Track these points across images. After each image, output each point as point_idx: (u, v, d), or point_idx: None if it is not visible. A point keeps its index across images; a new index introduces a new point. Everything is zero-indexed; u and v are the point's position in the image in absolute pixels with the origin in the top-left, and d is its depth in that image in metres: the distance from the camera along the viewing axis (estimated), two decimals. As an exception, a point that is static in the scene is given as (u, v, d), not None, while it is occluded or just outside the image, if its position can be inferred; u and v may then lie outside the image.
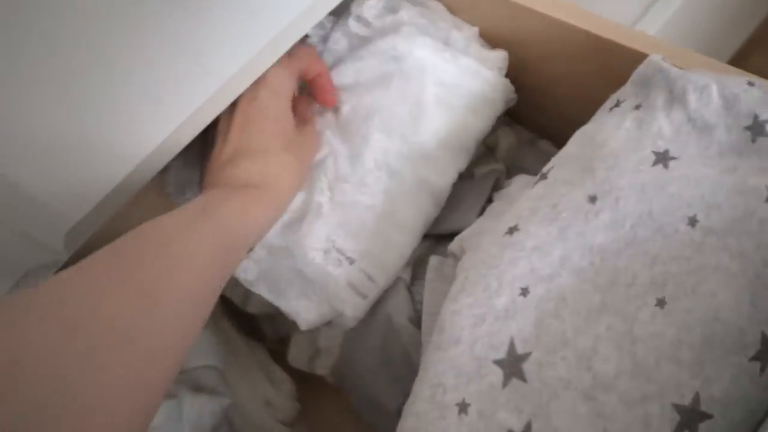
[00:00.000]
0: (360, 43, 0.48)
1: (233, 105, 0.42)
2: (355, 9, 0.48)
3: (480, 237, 0.38)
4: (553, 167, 0.35)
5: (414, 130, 0.45)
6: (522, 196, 0.35)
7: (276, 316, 0.54)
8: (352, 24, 0.48)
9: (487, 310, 0.32)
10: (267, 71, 0.40)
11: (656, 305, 0.29)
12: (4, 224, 0.34)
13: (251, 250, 0.38)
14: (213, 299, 0.33)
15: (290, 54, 0.42)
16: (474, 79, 0.45)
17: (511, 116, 0.53)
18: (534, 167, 0.49)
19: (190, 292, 0.31)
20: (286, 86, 0.42)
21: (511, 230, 0.33)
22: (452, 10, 0.48)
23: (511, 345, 0.31)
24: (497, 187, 0.47)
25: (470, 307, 0.32)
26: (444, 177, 0.45)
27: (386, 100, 0.45)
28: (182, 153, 0.38)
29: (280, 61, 0.41)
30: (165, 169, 0.52)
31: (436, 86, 0.44)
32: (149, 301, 0.28)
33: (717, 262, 0.29)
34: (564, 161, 0.35)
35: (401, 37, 0.45)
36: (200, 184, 0.42)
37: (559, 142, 0.51)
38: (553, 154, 0.51)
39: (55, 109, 0.31)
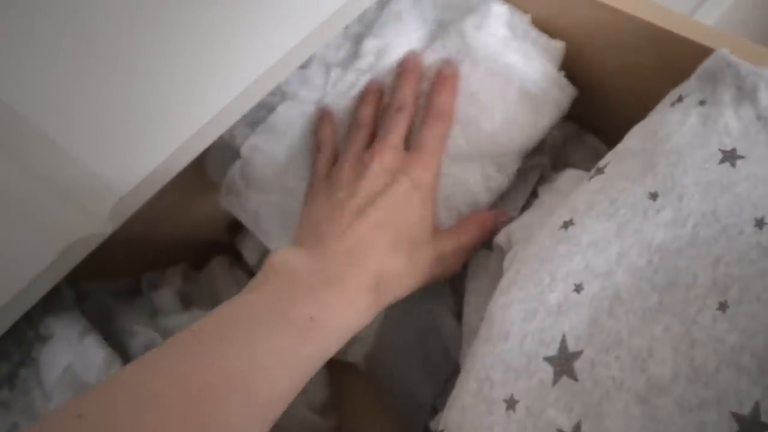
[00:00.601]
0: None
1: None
2: None
3: (528, 230, 0.37)
4: (610, 162, 0.34)
5: (488, 121, 0.43)
6: (578, 190, 0.34)
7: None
8: None
9: (539, 305, 0.31)
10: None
11: (718, 309, 0.28)
12: (54, 189, 0.33)
13: None
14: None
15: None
16: (548, 82, 0.44)
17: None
18: (580, 162, 0.48)
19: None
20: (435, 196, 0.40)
21: (566, 224, 0.32)
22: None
23: (563, 342, 0.30)
24: (542, 181, 0.46)
25: (521, 302, 0.31)
26: (505, 173, 0.44)
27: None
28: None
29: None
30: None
31: (515, 84, 0.43)
32: None
33: (785, 266, 0.28)
34: (622, 156, 0.33)
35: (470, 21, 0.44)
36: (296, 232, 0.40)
37: (606, 137, 0.50)
38: (600, 150, 0.50)
39: (109, 79, 0.31)
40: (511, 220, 0.41)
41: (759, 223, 0.29)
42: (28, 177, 0.31)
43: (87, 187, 0.34)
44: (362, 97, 0.45)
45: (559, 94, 0.44)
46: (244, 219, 0.49)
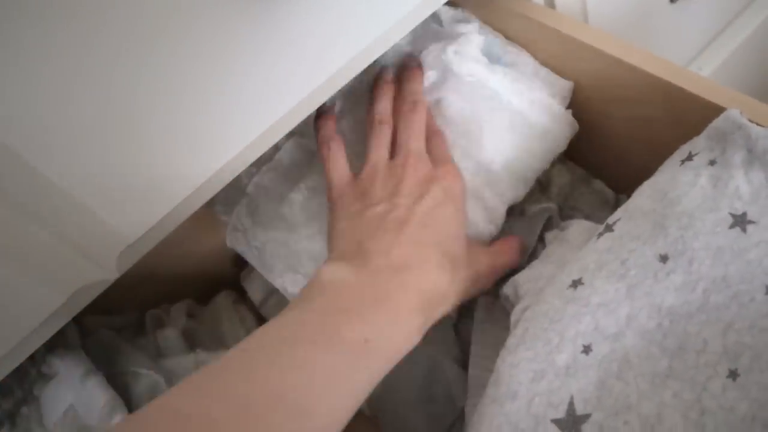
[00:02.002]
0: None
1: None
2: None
3: (536, 282, 0.37)
4: (620, 219, 0.34)
5: (479, 147, 0.43)
6: (587, 248, 0.34)
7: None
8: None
9: (547, 366, 0.31)
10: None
11: (728, 376, 0.28)
12: (63, 239, 0.33)
13: None
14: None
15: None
16: (544, 111, 0.44)
17: (566, 152, 0.52)
18: (587, 208, 0.48)
19: None
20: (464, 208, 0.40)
21: (575, 283, 0.32)
22: (515, 43, 0.48)
23: (571, 404, 0.30)
24: (549, 226, 0.46)
25: (529, 362, 0.31)
26: (500, 198, 0.44)
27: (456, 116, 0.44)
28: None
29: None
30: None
31: (506, 111, 0.44)
32: None
33: (796, 335, 0.27)
34: (632, 215, 0.33)
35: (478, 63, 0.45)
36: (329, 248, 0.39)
37: (614, 183, 0.50)
38: (607, 195, 0.50)
39: (119, 129, 0.31)
40: (519, 268, 0.40)
41: (770, 291, 0.29)
42: (35, 225, 0.31)
43: (95, 235, 0.34)
44: (378, 88, 0.44)
45: (559, 129, 0.45)
46: (250, 257, 0.49)
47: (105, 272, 0.36)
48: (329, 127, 0.44)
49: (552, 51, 0.45)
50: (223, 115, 0.34)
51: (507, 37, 0.47)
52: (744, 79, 0.67)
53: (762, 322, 0.28)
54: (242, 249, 0.49)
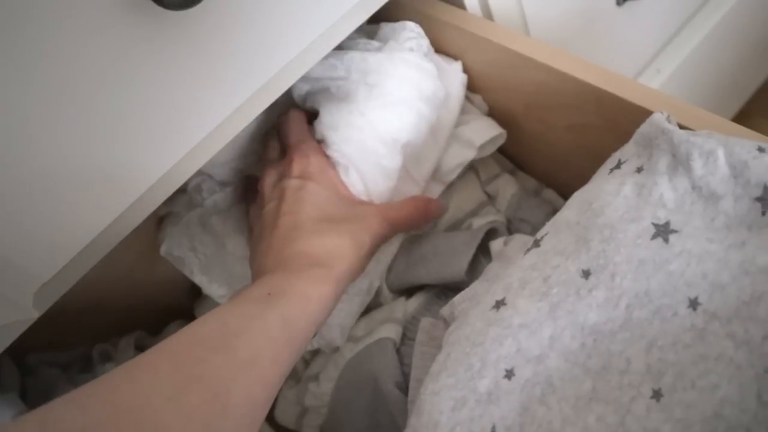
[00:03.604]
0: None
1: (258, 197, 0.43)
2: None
3: (470, 303, 0.36)
4: (547, 234, 0.33)
5: (363, 113, 0.43)
6: (513, 265, 0.33)
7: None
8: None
9: (469, 393, 0.29)
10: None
11: (652, 397, 0.26)
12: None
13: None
14: (273, 397, 0.31)
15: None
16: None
17: (516, 163, 0.51)
18: (536, 218, 0.47)
19: (254, 399, 0.29)
20: (330, 178, 0.42)
21: (498, 304, 0.31)
22: (452, 56, 0.47)
23: (493, 433, 0.28)
24: (494, 236, 0.45)
25: (450, 389, 0.29)
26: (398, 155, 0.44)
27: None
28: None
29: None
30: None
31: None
32: (216, 411, 0.27)
33: (720, 351, 0.26)
34: (559, 228, 0.32)
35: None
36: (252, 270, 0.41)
37: (565, 192, 0.49)
38: (557, 204, 0.49)
39: (23, 161, 0.30)
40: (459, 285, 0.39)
41: (693, 304, 0.27)
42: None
43: (5, 276, 0.32)
44: (264, 143, 0.48)
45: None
46: (190, 261, 0.48)
47: (23, 312, 0.35)
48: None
49: (487, 60, 0.43)
50: (137, 149, 0.33)
51: (442, 47, 0.46)
52: (705, 77, 0.66)
53: (685, 337, 0.27)
54: (181, 255, 0.48)
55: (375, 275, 0.47)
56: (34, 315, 0.35)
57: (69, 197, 0.32)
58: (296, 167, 0.42)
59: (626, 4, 0.53)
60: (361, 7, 0.39)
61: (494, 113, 0.48)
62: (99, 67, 0.29)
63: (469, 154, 0.46)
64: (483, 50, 0.43)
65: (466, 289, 0.38)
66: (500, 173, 0.49)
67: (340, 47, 0.42)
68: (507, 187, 0.48)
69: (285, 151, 0.45)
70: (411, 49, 0.43)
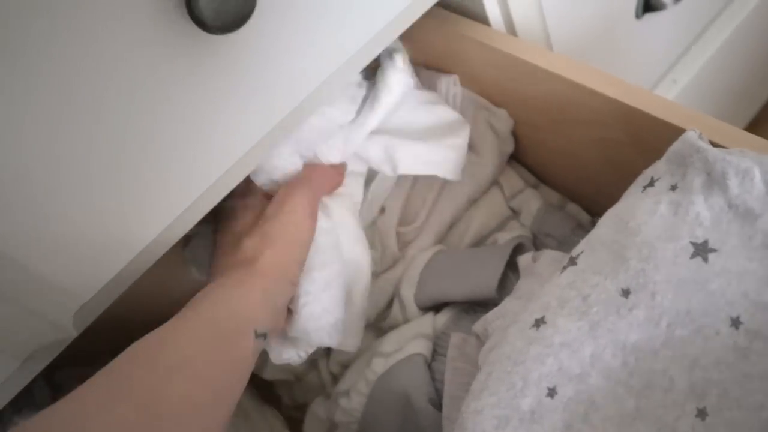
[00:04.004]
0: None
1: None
2: None
3: (504, 320, 0.36)
4: (582, 252, 0.33)
5: None
6: (550, 283, 0.33)
7: (293, 383, 0.52)
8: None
9: (511, 412, 0.29)
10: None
11: (697, 416, 0.27)
12: (12, 303, 0.33)
13: (265, 336, 0.36)
14: (230, 393, 0.32)
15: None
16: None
17: (540, 177, 0.51)
18: (562, 233, 0.47)
19: (192, 399, 0.29)
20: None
21: (538, 323, 0.31)
22: (474, 73, 0.47)
23: (538, 452, 0.28)
24: (520, 251, 0.45)
25: (493, 407, 0.30)
26: None
27: None
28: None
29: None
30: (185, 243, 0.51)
31: None
32: (147, 415, 0.27)
33: (765, 369, 0.26)
34: (595, 246, 0.32)
35: None
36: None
37: (588, 206, 0.49)
38: (580, 218, 0.49)
39: (64, 189, 0.30)
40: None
41: (735, 323, 0.27)
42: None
43: (46, 297, 0.33)
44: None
45: None
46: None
47: (61, 332, 0.35)
48: None
49: (514, 76, 0.44)
50: (171, 172, 0.33)
51: (470, 64, 0.47)
52: (719, 87, 0.66)
53: (728, 356, 0.27)
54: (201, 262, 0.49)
55: (359, 254, 0.47)
56: (73, 334, 0.36)
57: (110, 219, 0.33)
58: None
59: (645, 17, 0.53)
60: (382, 35, 0.39)
61: (520, 127, 0.48)
62: (142, 82, 0.29)
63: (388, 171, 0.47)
64: (509, 66, 0.43)
65: (499, 306, 0.38)
66: (524, 188, 0.50)
67: None
68: (531, 202, 0.49)
69: None
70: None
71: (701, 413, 0.27)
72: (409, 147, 0.46)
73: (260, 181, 0.44)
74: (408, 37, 0.46)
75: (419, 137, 0.47)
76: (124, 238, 0.34)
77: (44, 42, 0.26)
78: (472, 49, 0.46)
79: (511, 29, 0.46)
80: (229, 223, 0.44)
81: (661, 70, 0.60)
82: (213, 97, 0.33)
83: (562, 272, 0.33)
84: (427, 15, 0.42)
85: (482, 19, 0.45)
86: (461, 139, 0.47)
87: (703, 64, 0.61)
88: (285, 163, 0.44)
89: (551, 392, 0.29)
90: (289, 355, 0.43)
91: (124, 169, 0.32)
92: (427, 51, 0.50)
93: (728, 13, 0.62)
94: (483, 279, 0.43)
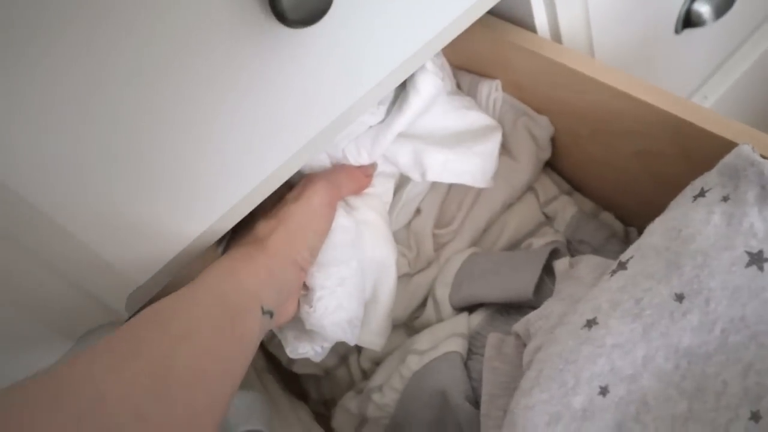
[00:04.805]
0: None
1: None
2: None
3: (546, 321, 0.37)
4: (632, 257, 0.34)
5: None
6: (599, 286, 0.34)
7: (321, 378, 0.53)
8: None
9: (563, 409, 0.30)
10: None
11: (750, 418, 0.27)
12: (70, 283, 0.33)
13: (271, 314, 0.37)
14: (237, 366, 0.33)
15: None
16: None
17: (574, 185, 0.52)
18: (594, 241, 0.48)
19: (199, 368, 0.30)
20: None
21: (590, 323, 0.32)
22: (517, 79, 0.48)
23: (589, 449, 0.29)
24: (556, 255, 0.46)
25: (545, 404, 0.30)
26: None
27: None
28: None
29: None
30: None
31: None
32: (157, 379, 0.28)
33: (817, 377, 0.27)
34: (646, 252, 0.33)
35: None
36: None
37: (622, 215, 0.50)
38: (615, 227, 0.50)
39: (126, 173, 0.31)
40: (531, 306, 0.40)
41: (789, 331, 0.28)
42: (44, 270, 0.31)
43: (104, 279, 0.33)
44: None
45: None
46: None
47: (114, 314, 0.36)
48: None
49: (559, 84, 0.45)
50: (231, 159, 0.34)
51: (515, 70, 0.47)
52: (747, 107, 0.67)
53: (782, 363, 0.28)
54: None
55: (384, 250, 0.47)
56: (125, 316, 0.36)
57: (169, 209, 0.33)
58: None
59: (684, 32, 0.54)
60: (442, 35, 0.40)
61: (558, 135, 0.49)
62: (211, 71, 0.30)
63: (416, 177, 0.48)
64: (554, 74, 0.44)
65: (541, 308, 0.39)
66: (558, 195, 0.51)
67: None
68: (566, 209, 0.49)
69: None
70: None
71: (755, 416, 0.27)
72: (438, 153, 0.47)
73: None
74: (451, 42, 0.47)
75: (449, 143, 0.48)
76: (179, 227, 0.35)
77: (127, 27, 0.27)
78: (517, 55, 0.46)
79: (557, 37, 0.47)
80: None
81: (693, 86, 0.61)
82: (278, 91, 0.33)
83: (611, 276, 0.34)
84: (473, 20, 0.43)
85: (529, 26, 0.46)
86: (492, 145, 0.48)
87: (733, 82, 0.62)
88: (312, 161, 0.45)
89: (603, 391, 0.30)
90: (305, 350, 0.43)
91: (186, 161, 0.32)
92: (470, 55, 0.51)
93: (761, 33, 0.63)
94: (520, 282, 0.44)
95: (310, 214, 0.41)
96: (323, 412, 0.53)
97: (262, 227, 0.40)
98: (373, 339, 0.47)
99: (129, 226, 0.33)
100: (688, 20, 0.53)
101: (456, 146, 0.48)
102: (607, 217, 0.50)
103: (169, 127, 0.31)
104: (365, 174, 0.48)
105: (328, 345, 0.44)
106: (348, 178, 0.46)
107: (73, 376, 0.27)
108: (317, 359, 0.44)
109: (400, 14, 0.36)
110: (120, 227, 0.32)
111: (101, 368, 0.27)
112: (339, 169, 0.47)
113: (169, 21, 0.28)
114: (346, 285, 0.43)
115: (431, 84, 0.45)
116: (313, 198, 0.42)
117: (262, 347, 0.53)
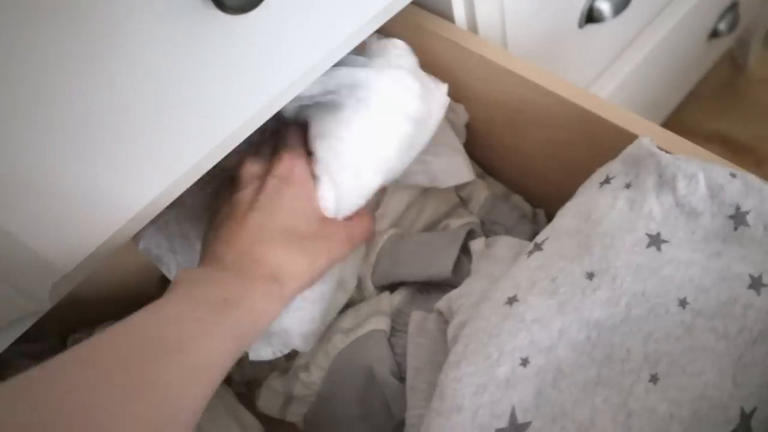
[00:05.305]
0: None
1: (235, 183, 0.42)
2: None
3: (468, 299, 0.39)
4: (547, 238, 0.37)
5: (337, 127, 0.44)
6: (518, 265, 0.37)
7: (243, 359, 0.53)
8: None
9: (488, 379, 0.33)
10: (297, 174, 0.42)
11: (649, 381, 0.31)
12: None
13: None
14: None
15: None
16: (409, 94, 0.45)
17: (486, 169, 0.55)
18: (509, 222, 0.51)
19: (200, 404, 0.30)
20: (309, 190, 0.42)
21: (511, 300, 0.35)
22: (435, 68, 0.50)
23: (513, 414, 0.32)
24: (472, 236, 0.49)
25: (471, 375, 0.33)
26: (362, 174, 0.45)
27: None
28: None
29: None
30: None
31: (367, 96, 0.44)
32: (168, 413, 0.27)
33: (705, 343, 0.31)
34: (559, 234, 0.36)
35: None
36: (201, 254, 0.41)
37: (531, 198, 0.54)
38: (524, 208, 0.53)
39: (50, 158, 0.30)
40: (447, 283, 0.42)
41: (682, 303, 0.32)
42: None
43: (27, 268, 0.32)
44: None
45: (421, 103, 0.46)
46: (168, 261, 0.48)
47: (37, 304, 0.35)
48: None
49: (476, 74, 0.47)
50: (159, 142, 0.34)
51: (433, 59, 0.49)
52: (638, 95, 0.73)
53: (676, 331, 0.32)
54: (160, 254, 0.48)
55: (350, 277, 0.49)
56: (47, 306, 0.35)
57: (96, 190, 0.33)
58: (282, 167, 0.42)
59: (586, 27, 0.58)
60: (367, 26, 0.41)
61: (473, 122, 0.51)
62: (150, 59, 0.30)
63: (426, 185, 0.50)
64: (473, 64, 0.47)
65: (462, 286, 0.41)
66: (473, 178, 0.53)
67: None
68: (479, 192, 0.52)
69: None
70: (398, 66, 0.45)
71: (653, 378, 0.31)
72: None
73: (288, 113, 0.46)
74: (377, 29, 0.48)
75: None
76: (108, 210, 0.34)
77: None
78: (436, 44, 0.48)
79: (473, 29, 0.49)
80: (231, 193, 0.43)
81: (592, 76, 0.66)
82: (217, 70, 0.33)
83: (529, 256, 0.37)
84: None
85: (447, 17, 0.48)
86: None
87: (627, 73, 0.67)
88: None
89: (524, 362, 0.33)
90: (265, 353, 0.45)
91: (115, 138, 0.32)
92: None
93: (651, 29, 0.69)
94: (439, 261, 0.46)
95: (328, 258, 0.40)
96: (245, 393, 0.54)
97: (275, 264, 0.38)
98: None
99: (53, 206, 0.32)
100: (591, 16, 0.57)
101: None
102: (517, 199, 0.54)
103: (105, 106, 0.30)
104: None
105: (285, 350, 0.45)
106: (363, 241, 0.45)
107: (83, 401, 0.26)
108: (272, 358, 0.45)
109: (332, 5, 0.36)
110: (43, 211, 0.31)
111: (111, 399, 0.26)
112: (367, 228, 0.45)
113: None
114: (324, 302, 0.45)
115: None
116: (328, 258, 0.41)
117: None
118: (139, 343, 0.29)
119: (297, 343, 0.44)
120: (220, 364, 0.32)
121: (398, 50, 0.46)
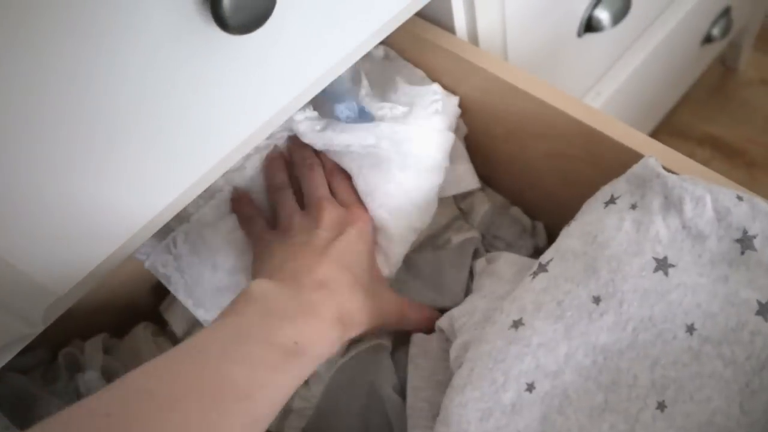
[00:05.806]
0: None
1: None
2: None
3: (470, 317, 0.39)
4: (552, 260, 0.36)
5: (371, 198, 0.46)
6: (523, 287, 0.36)
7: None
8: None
9: (494, 405, 0.32)
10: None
11: (657, 408, 0.31)
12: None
13: None
14: None
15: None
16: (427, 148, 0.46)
17: (486, 180, 0.55)
18: (508, 236, 0.51)
19: None
20: (372, 248, 0.45)
21: (516, 324, 0.34)
22: (435, 79, 0.49)
23: (518, 441, 0.32)
24: (474, 255, 0.49)
25: (476, 401, 0.33)
26: (393, 244, 0.47)
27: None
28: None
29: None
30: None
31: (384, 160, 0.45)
32: None
33: (713, 369, 0.31)
34: (564, 255, 0.36)
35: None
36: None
37: (530, 210, 0.53)
38: (523, 221, 0.53)
39: (44, 181, 0.29)
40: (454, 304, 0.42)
41: (689, 329, 0.32)
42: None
43: (21, 292, 0.31)
44: (270, 165, 0.49)
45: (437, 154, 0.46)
46: (175, 281, 0.48)
47: (30, 327, 0.34)
48: (246, 206, 0.48)
49: (476, 86, 0.47)
50: (158, 161, 0.33)
51: (433, 70, 0.49)
52: (633, 101, 0.73)
53: (683, 357, 0.31)
54: (168, 272, 0.48)
55: None
56: (41, 329, 0.34)
57: (89, 219, 0.32)
58: (359, 221, 0.44)
59: (585, 36, 0.58)
60: (369, 40, 0.40)
61: (473, 134, 0.51)
62: (154, 66, 0.29)
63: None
64: (475, 77, 0.46)
65: (464, 304, 0.41)
66: (474, 190, 0.53)
67: (363, 110, 0.45)
68: (480, 204, 0.52)
69: (291, 178, 0.48)
70: (436, 112, 0.46)
71: (661, 405, 0.31)
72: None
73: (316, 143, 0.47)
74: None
75: None
76: (101, 233, 0.33)
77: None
78: (437, 56, 0.48)
79: (474, 40, 0.49)
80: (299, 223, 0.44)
81: (589, 84, 0.65)
82: (220, 88, 0.32)
83: (534, 277, 0.36)
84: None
85: (449, 28, 0.47)
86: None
87: (623, 81, 0.67)
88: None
89: (530, 387, 0.33)
90: None
91: (114, 158, 0.31)
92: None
93: (646, 37, 0.69)
94: (447, 291, 0.47)
95: (370, 328, 0.41)
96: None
97: (351, 320, 0.39)
98: None
99: (46, 229, 0.31)
100: (590, 25, 0.57)
101: None
102: (516, 211, 0.53)
103: (106, 118, 0.29)
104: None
105: None
106: (415, 328, 0.46)
107: None
108: None
109: (334, 20, 0.36)
110: (36, 231, 0.31)
111: None
112: (423, 315, 0.46)
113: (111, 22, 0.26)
114: None
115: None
116: (383, 321, 0.42)
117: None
118: (217, 385, 0.30)
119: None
120: (277, 411, 0.33)
121: (433, 95, 0.47)
